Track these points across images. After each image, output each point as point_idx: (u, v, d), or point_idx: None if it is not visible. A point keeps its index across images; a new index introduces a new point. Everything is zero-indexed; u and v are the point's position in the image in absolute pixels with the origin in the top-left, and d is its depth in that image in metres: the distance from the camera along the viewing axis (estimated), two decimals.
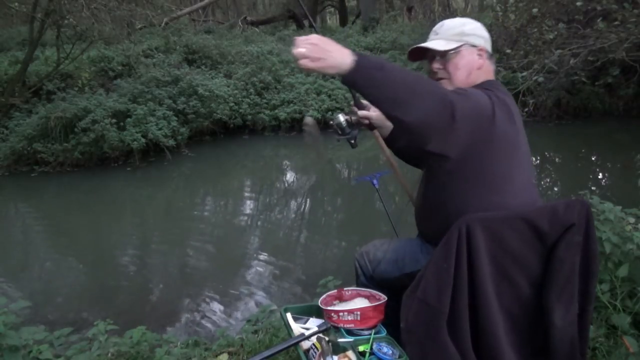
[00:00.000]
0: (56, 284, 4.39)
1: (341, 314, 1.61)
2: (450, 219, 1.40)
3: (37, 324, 3.26)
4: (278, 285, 4.04)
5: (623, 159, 7.18)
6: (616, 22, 5.72)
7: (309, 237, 5.32)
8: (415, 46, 1.63)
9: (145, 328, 2.56)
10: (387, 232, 2.11)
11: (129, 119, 8.06)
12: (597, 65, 6.66)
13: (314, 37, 1.27)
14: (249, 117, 9.80)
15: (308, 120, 1.88)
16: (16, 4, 10.53)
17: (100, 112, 7.89)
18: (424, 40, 1.64)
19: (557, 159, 7.85)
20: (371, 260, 1.80)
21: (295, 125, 9.91)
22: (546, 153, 7.73)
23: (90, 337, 2.50)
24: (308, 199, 6.68)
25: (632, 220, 2.29)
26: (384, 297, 1.67)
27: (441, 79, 1.56)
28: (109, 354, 2.41)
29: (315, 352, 1.50)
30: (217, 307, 3.72)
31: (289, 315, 1.75)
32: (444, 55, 1.55)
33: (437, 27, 1.62)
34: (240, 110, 9.73)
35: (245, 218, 6.01)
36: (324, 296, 1.75)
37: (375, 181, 1.87)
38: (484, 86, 1.50)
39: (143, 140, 7.84)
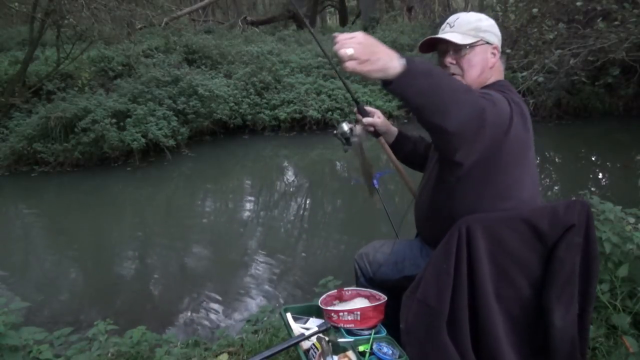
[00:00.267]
0: (56, 284, 4.40)
1: (341, 314, 1.61)
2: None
3: (37, 324, 3.27)
4: (278, 285, 4.04)
5: (623, 159, 7.19)
6: (616, 22, 5.72)
7: (309, 237, 5.32)
8: (431, 37, 1.55)
9: (145, 328, 2.56)
10: (387, 232, 2.11)
11: (129, 119, 8.05)
12: (597, 65, 6.66)
13: (360, 35, 1.14)
14: (249, 117, 9.80)
15: (358, 130, 1.62)
16: (16, 4, 10.54)
17: (100, 112, 7.89)
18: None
19: (557, 159, 7.85)
20: (371, 262, 1.80)
21: (295, 125, 9.92)
22: (546, 153, 7.72)
23: (90, 337, 2.50)
24: (308, 199, 6.68)
25: (632, 220, 2.30)
26: (384, 297, 1.67)
27: (453, 74, 1.50)
28: (109, 354, 2.41)
29: (315, 352, 1.50)
30: (217, 307, 3.72)
31: (289, 315, 1.75)
32: (458, 50, 1.49)
33: (451, 20, 1.55)
34: (240, 110, 9.73)
35: (245, 218, 6.01)
36: (324, 296, 1.75)
37: (375, 181, 1.86)
38: (496, 87, 1.46)
39: (143, 140, 7.84)
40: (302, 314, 1.80)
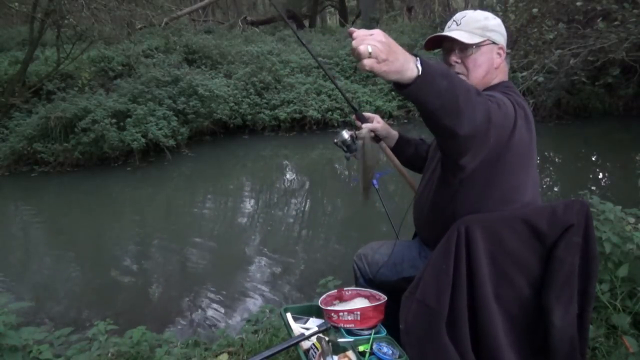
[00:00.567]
0: (56, 284, 4.40)
1: (341, 314, 1.61)
2: None
3: (37, 324, 3.28)
4: (278, 285, 4.05)
5: (623, 159, 7.19)
6: (616, 22, 5.72)
7: (309, 237, 5.32)
8: (438, 34, 1.52)
9: (145, 328, 2.56)
10: (387, 232, 2.11)
11: (129, 119, 8.05)
12: (597, 65, 6.66)
13: (380, 33, 1.07)
14: (249, 117, 9.80)
15: (364, 133, 1.57)
16: (16, 4, 10.53)
17: (100, 112, 7.89)
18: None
19: (557, 159, 7.84)
20: (370, 263, 1.80)
21: (295, 125, 9.92)
22: (546, 153, 7.72)
23: (90, 337, 2.51)
24: (308, 199, 6.68)
25: (632, 220, 2.30)
26: (384, 297, 1.67)
27: (457, 73, 1.47)
28: (109, 354, 2.41)
29: (315, 352, 1.50)
30: (217, 307, 3.72)
31: (289, 315, 1.75)
32: (464, 49, 1.47)
33: (458, 17, 1.52)
34: (240, 110, 9.73)
35: (245, 218, 6.01)
36: (324, 296, 1.75)
37: (375, 181, 1.86)
38: (501, 89, 1.45)
39: (143, 140, 7.84)
40: (302, 314, 1.80)
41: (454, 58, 1.49)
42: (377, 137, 1.81)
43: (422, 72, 1.10)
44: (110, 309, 3.69)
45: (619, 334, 2.00)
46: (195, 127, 9.12)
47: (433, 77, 1.11)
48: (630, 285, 2.11)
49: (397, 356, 1.50)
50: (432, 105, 1.14)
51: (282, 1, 18.85)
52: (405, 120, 9.96)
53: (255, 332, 2.61)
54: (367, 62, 1.04)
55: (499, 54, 1.50)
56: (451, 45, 1.49)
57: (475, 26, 1.48)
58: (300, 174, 8.00)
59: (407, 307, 1.45)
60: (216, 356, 2.39)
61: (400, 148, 1.88)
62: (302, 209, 6.30)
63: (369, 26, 14.47)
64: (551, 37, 6.11)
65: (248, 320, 2.87)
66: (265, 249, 4.76)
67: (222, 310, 3.68)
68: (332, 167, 8.06)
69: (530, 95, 7.42)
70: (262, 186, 7.51)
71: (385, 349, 1.51)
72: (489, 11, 1.56)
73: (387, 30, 13.45)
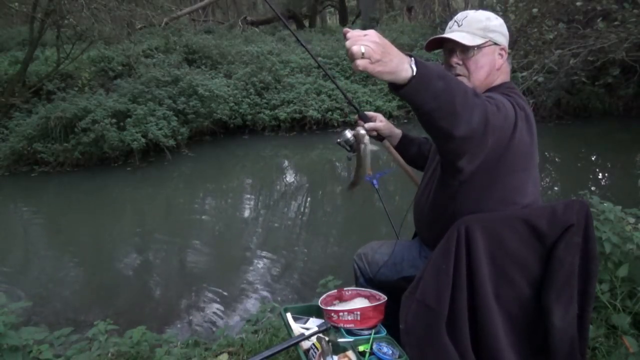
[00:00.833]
0: (56, 284, 4.40)
1: (341, 314, 1.61)
2: None
3: (37, 324, 3.27)
4: (278, 285, 4.05)
5: (623, 159, 7.19)
6: (616, 22, 5.72)
7: (309, 237, 5.32)
8: (438, 36, 1.50)
9: (145, 328, 2.56)
10: (387, 232, 2.11)
11: (129, 119, 8.06)
12: (597, 65, 6.67)
13: (374, 34, 1.07)
14: (249, 117, 9.80)
15: (362, 134, 1.52)
16: (16, 4, 10.53)
17: (100, 112, 7.90)
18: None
19: (557, 159, 7.84)
20: (370, 262, 1.80)
21: (295, 125, 9.92)
22: (546, 153, 7.72)
23: (90, 337, 2.50)
24: (308, 199, 6.68)
25: (632, 220, 2.30)
26: (384, 297, 1.67)
27: (458, 75, 1.46)
28: (109, 354, 2.41)
29: (315, 352, 1.50)
30: (217, 307, 3.72)
31: (289, 315, 1.75)
32: (465, 50, 1.45)
33: (459, 18, 1.50)
34: (240, 110, 9.73)
35: (245, 218, 6.01)
36: (324, 296, 1.75)
37: (375, 181, 1.86)
38: (503, 90, 1.44)
39: (143, 140, 7.84)
40: (302, 314, 1.80)
41: (455, 60, 1.47)
42: (379, 136, 1.80)
43: (417, 73, 1.10)
44: (110, 309, 3.69)
45: (619, 334, 1.99)
46: (195, 127, 9.12)
47: (429, 78, 1.11)
48: (630, 285, 2.11)
49: (397, 356, 1.50)
50: (428, 107, 1.13)
51: (282, 1, 18.85)
52: (405, 120, 9.96)
53: (255, 332, 2.61)
54: (360, 63, 1.05)
55: (500, 54, 1.49)
56: (452, 47, 1.48)
57: (476, 27, 1.46)
58: (300, 174, 8.00)
59: (407, 307, 1.45)
60: (216, 356, 2.39)
61: (404, 147, 1.87)
62: (302, 209, 6.30)
63: (368, 26, 14.49)
64: (551, 37, 6.11)
65: (248, 320, 2.87)
66: (265, 249, 4.76)
67: (222, 310, 3.68)
68: (332, 167, 8.07)
69: (530, 95, 7.42)
70: (262, 186, 7.51)
71: (385, 349, 1.51)
72: (489, 11, 1.55)
73: (387, 30, 13.47)
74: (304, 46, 1.57)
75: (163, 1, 12.04)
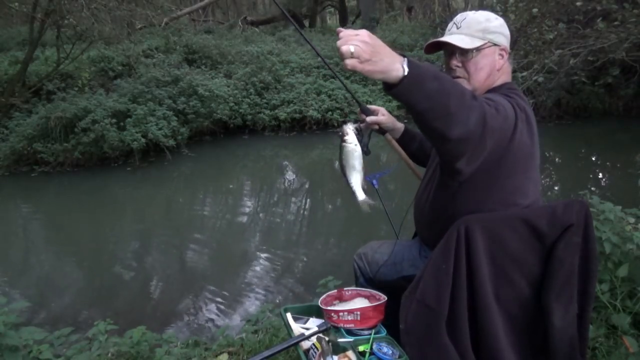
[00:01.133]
0: (56, 283, 4.40)
1: (341, 314, 1.61)
2: None
3: (37, 324, 3.28)
4: (278, 285, 4.05)
5: (623, 159, 7.19)
6: (616, 22, 5.72)
7: (309, 237, 5.32)
8: (436, 40, 1.51)
9: (145, 328, 2.56)
10: (387, 232, 2.11)
11: (129, 119, 8.06)
12: (597, 65, 6.66)
13: (365, 34, 1.09)
14: (249, 117, 9.80)
15: (344, 130, 1.51)
16: (16, 4, 10.52)
17: (100, 112, 7.89)
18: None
19: (557, 159, 7.85)
20: (370, 262, 1.80)
21: (295, 125, 9.92)
22: (546, 153, 7.73)
23: (90, 337, 2.51)
24: (308, 199, 6.69)
25: (632, 220, 2.30)
26: (384, 297, 1.67)
27: (458, 77, 1.46)
28: (109, 354, 2.42)
29: (315, 352, 1.50)
30: (217, 307, 3.72)
31: (289, 315, 1.75)
32: (464, 52, 1.45)
33: (458, 19, 1.50)
34: (240, 110, 9.73)
35: (245, 218, 6.01)
36: (324, 296, 1.75)
37: (375, 181, 1.86)
38: (503, 91, 1.44)
39: (143, 140, 7.84)
40: (302, 314, 1.80)
41: (454, 62, 1.47)
42: (382, 130, 1.79)
43: (408, 73, 1.10)
44: (110, 309, 3.69)
45: (619, 334, 2.00)
46: (195, 127, 9.12)
47: (422, 78, 1.11)
48: (630, 285, 2.12)
49: (397, 356, 1.50)
50: (421, 107, 1.13)
51: (282, 1, 18.84)
52: (406, 120, 9.78)
53: (255, 332, 2.61)
54: (349, 62, 1.07)
55: (501, 55, 1.48)
56: (452, 49, 1.47)
57: (475, 29, 1.45)
58: (300, 174, 8.00)
59: (407, 307, 1.45)
60: (216, 356, 2.39)
61: (405, 142, 1.86)
62: (302, 209, 6.30)
63: (368, 26, 14.51)
64: (551, 37, 6.10)
65: (248, 320, 2.87)
66: (265, 249, 4.76)
67: (222, 310, 3.68)
68: (332, 167, 8.06)
69: (530, 95, 7.41)
70: (262, 186, 7.51)
71: (385, 349, 1.51)
72: (489, 11, 1.55)
73: (387, 30, 13.48)
74: (309, 43, 1.57)
75: (163, 1, 12.04)
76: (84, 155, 7.94)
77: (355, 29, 1.14)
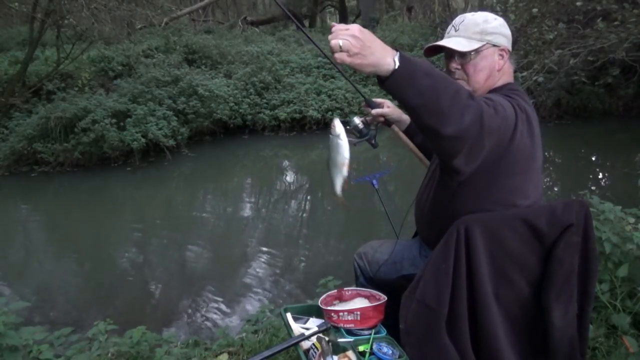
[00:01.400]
0: (56, 284, 4.40)
1: (341, 314, 1.61)
2: None
3: (37, 324, 3.28)
4: (278, 285, 4.05)
5: (623, 159, 7.19)
6: (616, 22, 5.72)
7: (309, 237, 5.32)
8: (433, 44, 1.52)
9: (145, 328, 2.56)
10: (387, 232, 2.11)
11: (129, 119, 8.06)
12: (597, 65, 6.66)
13: (356, 28, 1.11)
14: (249, 117, 9.81)
15: (334, 124, 1.47)
16: (16, 4, 10.52)
17: (100, 112, 7.90)
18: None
19: (557, 159, 7.85)
20: (370, 261, 1.80)
21: (295, 125, 9.92)
22: (546, 153, 7.72)
23: (90, 337, 2.51)
24: (308, 199, 6.68)
25: (632, 220, 2.30)
26: (384, 297, 1.67)
27: (458, 79, 1.46)
28: (109, 354, 2.41)
29: (315, 352, 1.50)
30: (217, 307, 3.72)
31: (289, 315, 1.75)
32: (463, 55, 1.45)
33: (456, 22, 1.50)
34: (240, 110, 9.73)
35: (245, 218, 6.01)
36: (324, 296, 1.75)
37: (375, 181, 1.86)
38: (504, 91, 1.43)
39: (143, 140, 7.84)
40: (302, 314, 1.80)
41: (454, 65, 1.47)
42: (387, 122, 1.80)
43: (399, 67, 1.11)
44: (110, 309, 3.70)
45: (619, 334, 2.00)
46: (195, 127, 9.12)
47: (413, 73, 1.12)
48: (630, 285, 2.12)
49: (397, 356, 1.50)
50: (412, 102, 1.15)
51: (282, 1, 18.84)
52: None
53: (255, 332, 2.61)
54: (338, 56, 1.09)
55: (501, 55, 1.48)
56: (451, 52, 1.47)
57: (473, 31, 1.45)
58: (300, 174, 8.01)
59: (407, 307, 1.45)
60: (216, 356, 2.39)
61: (411, 134, 1.85)
62: (302, 208, 6.30)
63: (368, 26, 14.51)
64: (551, 37, 6.10)
65: (248, 320, 2.87)
66: (265, 249, 4.76)
67: (222, 310, 3.68)
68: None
69: (530, 95, 7.41)
70: (262, 186, 7.51)
71: (385, 349, 1.51)
72: (488, 11, 1.55)
73: (387, 30, 13.47)
74: (311, 40, 1.59)
75: (163, 1, 12.05)
76: (84, 155, 7.94)
77: None
